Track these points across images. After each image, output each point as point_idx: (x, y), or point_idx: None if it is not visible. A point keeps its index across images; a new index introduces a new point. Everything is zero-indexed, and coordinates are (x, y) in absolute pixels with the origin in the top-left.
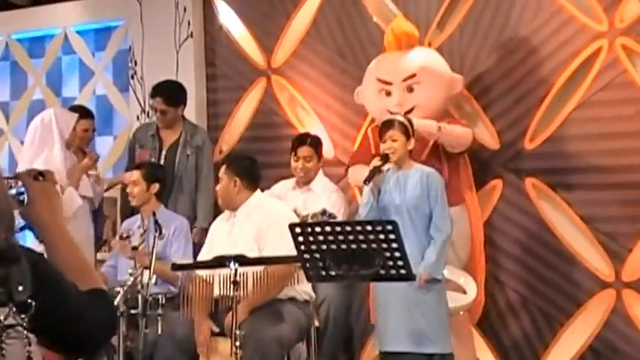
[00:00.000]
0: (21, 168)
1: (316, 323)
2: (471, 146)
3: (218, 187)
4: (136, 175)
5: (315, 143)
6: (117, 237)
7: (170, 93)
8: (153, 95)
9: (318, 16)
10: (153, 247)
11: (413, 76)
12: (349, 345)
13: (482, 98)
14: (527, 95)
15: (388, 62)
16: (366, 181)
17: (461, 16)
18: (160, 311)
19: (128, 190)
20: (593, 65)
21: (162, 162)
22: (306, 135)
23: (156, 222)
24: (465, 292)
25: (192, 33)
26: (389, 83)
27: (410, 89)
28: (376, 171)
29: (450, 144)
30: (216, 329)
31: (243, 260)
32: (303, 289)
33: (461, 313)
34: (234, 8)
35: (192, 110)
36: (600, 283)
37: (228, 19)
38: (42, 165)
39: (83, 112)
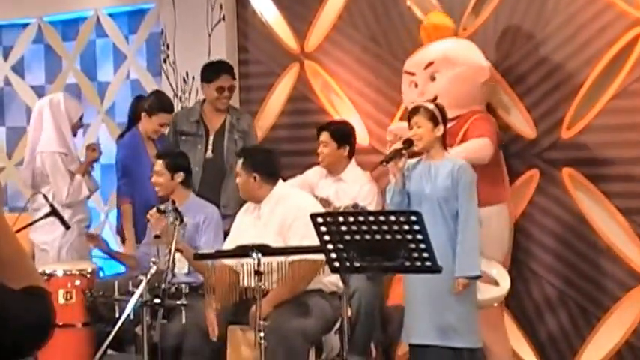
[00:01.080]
0: (33, 148)
1: (349, 314)
2: (506, 135)
3: (238, 182)
4: (159, 165)
5: (336, 130)
6: (154, 209)
7: (231, 67)
8: (218, 73)
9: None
10: (173, 235)
11: (431, 63)
12: (385, 336)
13: (518, 86)
14: (563, 83)
15: (415, 54)
16: (384, 162)
17: (496, 1)
18: (183, 301)
19: (153, 180)
20: (632, 53)
21: (209, 149)
22: (331, 122)
23: (176, 210)
24: (497, 284)
25: (224, 16)
26: (413, 74)
27: (432, 78)
28: (396, 154)
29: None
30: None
31: (265, 250)
32: (330, 280)
33: (495, 304)
34: None
35: None
36: (638, 277)
37: (261, 3)
38: (56, 146)
39: (165, 107)
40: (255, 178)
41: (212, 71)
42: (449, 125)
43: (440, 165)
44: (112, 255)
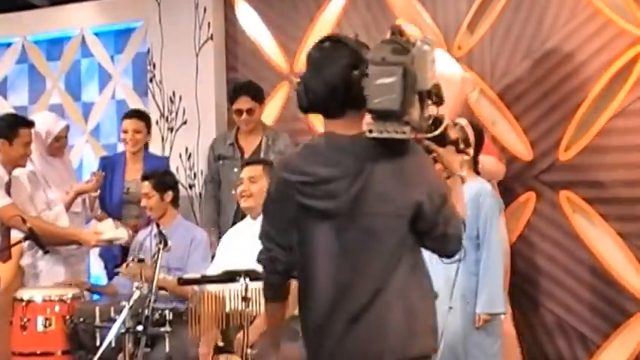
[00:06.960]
0: None
1: None
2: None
3: (254, 189)
4: (146, 187)
5: None
6: (127, 263)
7: (254, 89)
8: (236, 95)
9: (343, 18)
10: (156, 259)
11: None
12: None
13: (515, 106)
14: (561, 103)
15: None
16: None
17: (492, 18)
18: (167, 328)
19: (142, 203)
20: (632, 72)
21: None
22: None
23: (160, 233)
24: None
25: (212, 35)
26: None
27: None
28: None
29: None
30: (221, 343)
31: (254, 275)
32: None
33: None
34: (255, 9)
35: (212, 117)
36: (638, 303)
37: (250, 21)
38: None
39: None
40: None
41: (232, 93)
42: None
43: (466, 188)
44: (89, 288)
